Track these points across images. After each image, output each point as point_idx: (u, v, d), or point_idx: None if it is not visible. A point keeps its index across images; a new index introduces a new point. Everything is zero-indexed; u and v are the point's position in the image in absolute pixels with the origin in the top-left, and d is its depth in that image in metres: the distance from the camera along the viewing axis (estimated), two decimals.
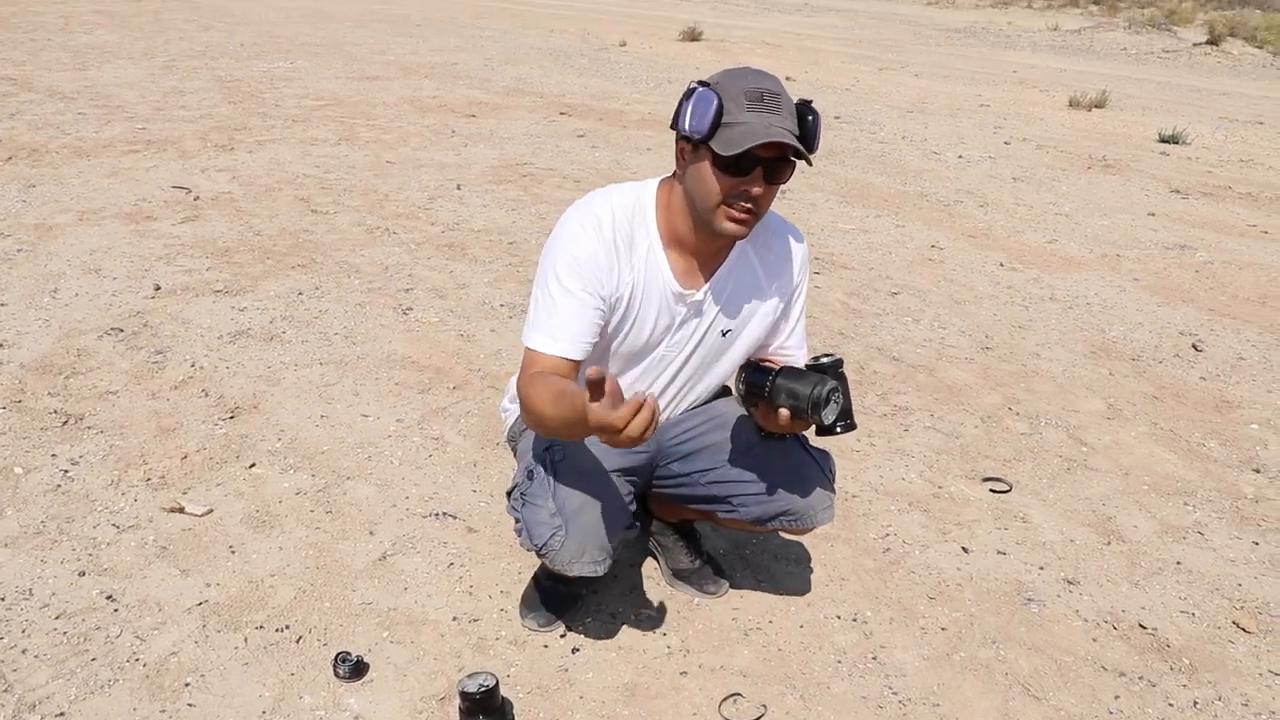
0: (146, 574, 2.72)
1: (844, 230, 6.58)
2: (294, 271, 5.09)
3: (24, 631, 2.50)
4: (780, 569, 2.93)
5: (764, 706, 2.38)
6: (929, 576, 2.94)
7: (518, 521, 2.33)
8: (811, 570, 2.93)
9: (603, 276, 2.13)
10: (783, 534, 2.82)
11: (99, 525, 2.91)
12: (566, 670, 2.49)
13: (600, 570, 2.27)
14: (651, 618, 2.68)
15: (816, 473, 2.43)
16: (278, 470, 3.24)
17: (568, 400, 1.90)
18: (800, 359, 2.39)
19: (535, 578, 2.67)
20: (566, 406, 1.90)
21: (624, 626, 2.63)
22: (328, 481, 3.20)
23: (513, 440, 2.57)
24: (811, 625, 2.70)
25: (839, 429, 2.17)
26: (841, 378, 2.17)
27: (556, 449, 2.31)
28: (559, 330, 2.10)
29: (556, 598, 2.60)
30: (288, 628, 2.57)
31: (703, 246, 2.21)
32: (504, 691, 2.34)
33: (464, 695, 2.17)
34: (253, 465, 3.26)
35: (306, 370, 3.95)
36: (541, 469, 2.31)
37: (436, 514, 3.09)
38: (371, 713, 2.32)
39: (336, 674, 2.40)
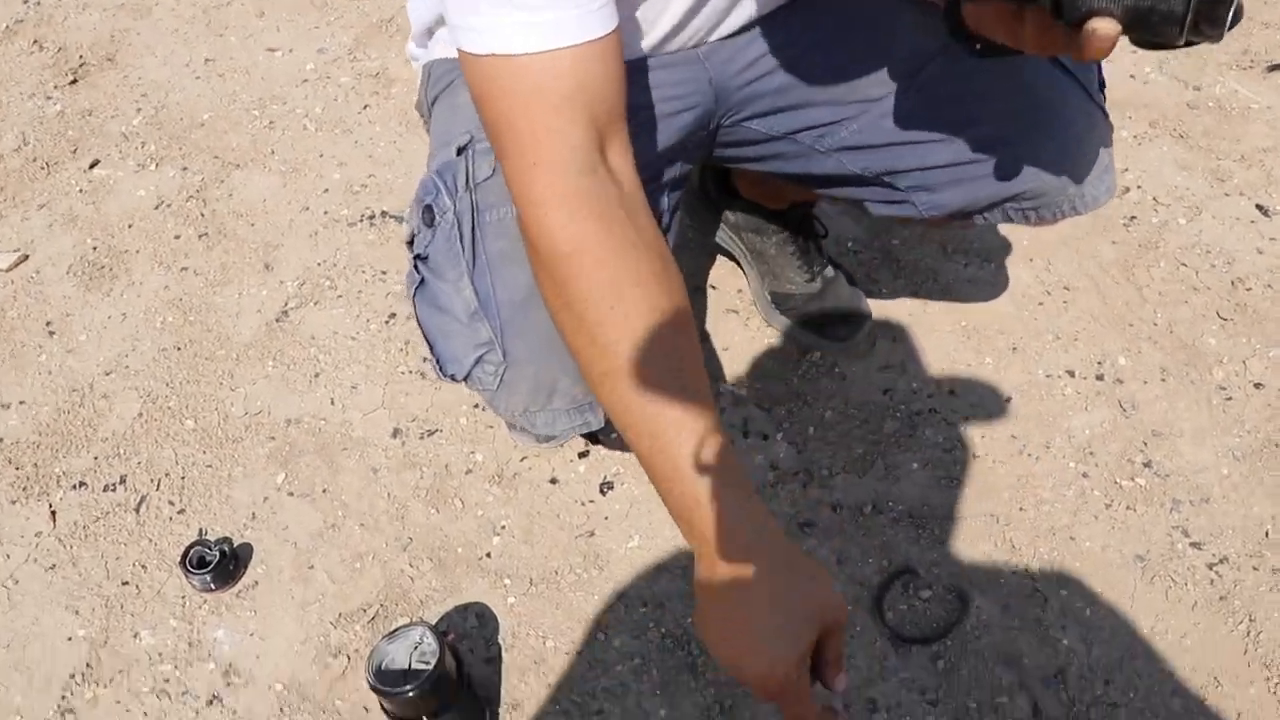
0: None
1: None
2: None
3: None
4: (956, 271, 1.65)
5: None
6: (1209, 269, 1.62)
7: (420, 324, 1.09)
8: (1009, 273, 1.64)
9: None
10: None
11: None
12: (592, 534, 1.37)
13: (596, 421, 1.05)
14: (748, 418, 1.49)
15: (1080, 103, 1.11)
16: (132, 167, 2.04)
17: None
18: None
19: None
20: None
21: None
22: (206, 178, 1.99)
23: (423, 110, 1.28)
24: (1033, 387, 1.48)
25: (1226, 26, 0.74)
26: None
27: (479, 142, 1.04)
28: None
29: None
30: (122, 480, 1.49)
31: None
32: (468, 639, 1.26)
33: (388, 690, 1.09)
34: (95, 164, 2.05)
35: None
36: (448, 197, 1.04)
37: (370, 215, 1.87)
38: (252, 658, 1.31)
39: (189, 578, 1.34)
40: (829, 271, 1.58)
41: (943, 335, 1.56)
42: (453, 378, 1.07)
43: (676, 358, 0.82)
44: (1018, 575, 1.31)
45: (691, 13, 1.05)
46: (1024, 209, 1.17)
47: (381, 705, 1.14)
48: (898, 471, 1.42)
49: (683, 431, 0.80)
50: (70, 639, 1.36)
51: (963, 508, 1.38)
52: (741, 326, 1.63)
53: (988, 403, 1.48)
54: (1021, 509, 1.36)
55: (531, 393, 1.04)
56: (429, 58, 1.21)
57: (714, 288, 1.69)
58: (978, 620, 1.27)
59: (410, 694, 1.09)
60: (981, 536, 1.35)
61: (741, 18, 1.10)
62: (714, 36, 1.10)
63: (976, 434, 1.45)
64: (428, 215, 1.06)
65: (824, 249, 1.60)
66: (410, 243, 1.11)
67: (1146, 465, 1.41)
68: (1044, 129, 1.10)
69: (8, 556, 1.46)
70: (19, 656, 1.35)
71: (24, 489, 1.54)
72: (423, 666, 1.12)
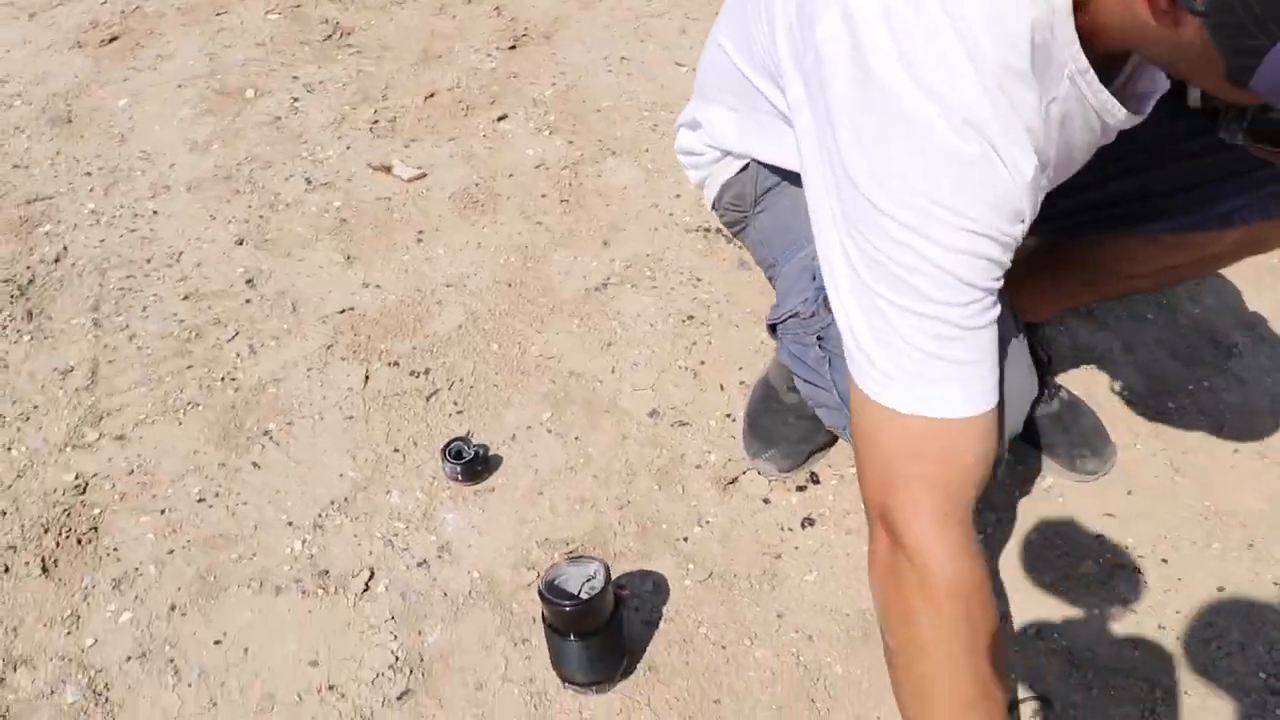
0: (304, 255, 2.03)
1: None
2: None
3: (144, 310, 1.91)
4: (1221, 454, 1.65)
5: None
6: None
7: (817, 389, 1.26)
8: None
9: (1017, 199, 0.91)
10: (1255, 250, 1.34)
11: (291, 177, 2.23)
12: (779, 556, 1.50)
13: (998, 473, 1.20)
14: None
15: None
16: (531, 128, 2.36)
17: None
18: None
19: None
20: None
21: None
22: (585, 154, 2.27)
23: (724, 213, 1.46)
24: (1254, 586, 1.46)
25: None
26: None
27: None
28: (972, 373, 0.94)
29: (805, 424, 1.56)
30: (427, 372, 1.78)
31: None
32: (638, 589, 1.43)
33: (552, 599, 1.29)
34: (503, 117, 2.39)
35: None
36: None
37: (706, 229, 2.08)
38: (466, 544, 1.54)
39: (444, 465, 1.59)
40: (1065, 394, 1.62)
41: (1181, 507, 1.56)
42: None
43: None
44: None
45: None
46: None
47: (542, 612, 1.32)
48: (1077, 610, 1.45)
49: None
50: (341, 476, 1.65)
51: (1124, 666, 1.39)
52: None
53: (1197, 584, 1.47)
54: (1188, 694, 1.35)
55: None
56: (748, 155, 1.33)
57: None
58: None
59: (566, 608, 1.26)
60: (1133, 700, 1.35)
61: None
62: None
63: (1171, 608, 1.45)
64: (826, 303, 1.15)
65: (1054, 373, 1.64)
66: (776, 326, 1.28)
67: None
68: None
69: (324, 397, 1.77)
70: (304, 473, 1.65)
71: (354, 352, 1.85)
72: (587, 594, 1.29)
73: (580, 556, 1.33)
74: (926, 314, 0.89)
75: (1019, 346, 1.13)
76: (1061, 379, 1.71)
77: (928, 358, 0.91)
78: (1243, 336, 1.81)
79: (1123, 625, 1.43)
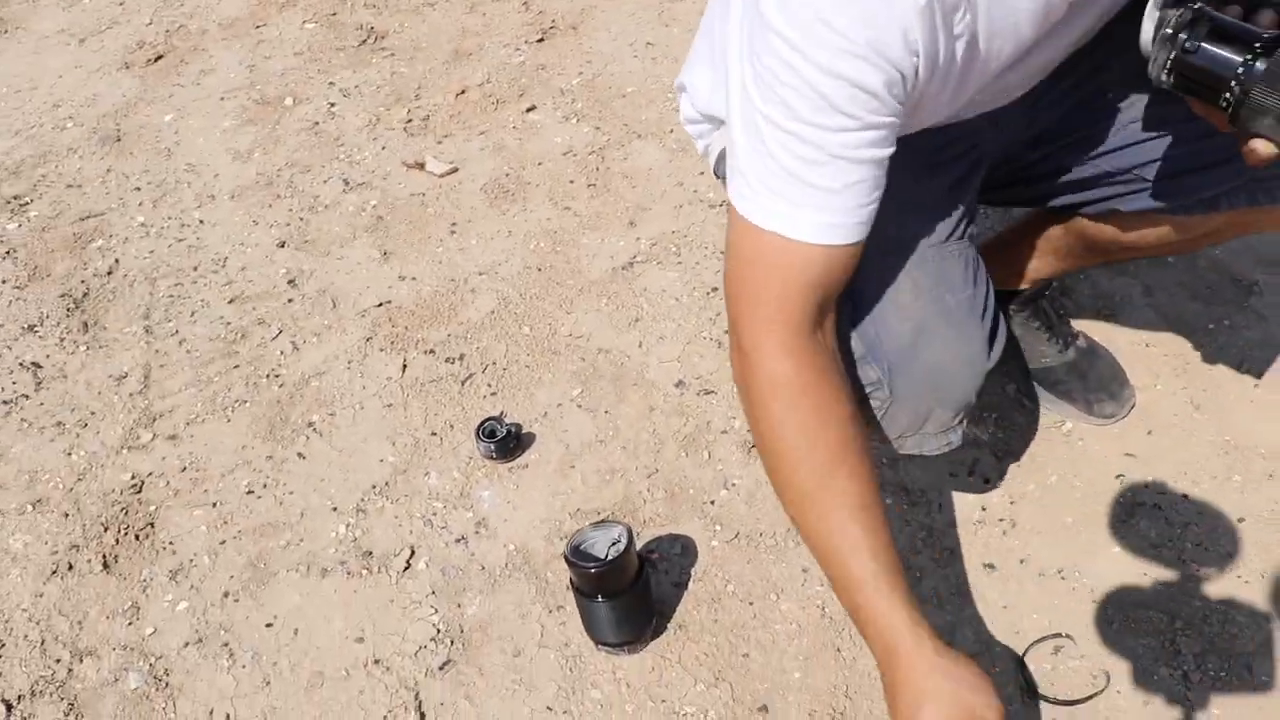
0: (343, 253, 2.10)
1: None
2: None
3: (192, 315, 2.00)
4: (1243, 390, 1.63)
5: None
6: None
7: None
8: None
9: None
10: (1252, 227, 1.32)
11: (329, 180, 2.31)
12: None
13: (956, 440, 1.24)
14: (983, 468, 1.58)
15: None
16: (558, 117, 2.40)
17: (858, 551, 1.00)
18: None
19: None
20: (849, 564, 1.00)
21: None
22: (611, 139, 2.31)
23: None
24: (1274, 517, 1.46)
25: None
26: None
27: None
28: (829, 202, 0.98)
29: None
30: (461, 358, 1.84)
31: None
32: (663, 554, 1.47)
33: (577, 563, 1.33)
34: (532, 109, 2.44)
35: None
36: None
37: None
38: (502, 519, 1.60)
39: (478, 444, 1.64)
40: (1081, 342, 1.62)
41: (1200, 443, 1.55)
42: None
43: (855, 493, 0.99)
44: (1173, 679, 1.31)
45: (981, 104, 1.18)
46: (1271, 187, 1.20)
47: (570, 578, 1.37)
48: (1098, 549, 1.46)
49: (860, 555, 0.97)
50: (381, 460, 1.71)
51: (1147, 600, 1.39)
52: (1005, 386, 1.71)
53: (1217, 517, 1.46)
54: (1207, 622, 1.36)
55: (909, 422, 1.21)
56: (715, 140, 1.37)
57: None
58: (1114, 705, 1.30)
59: (591, 570, 1.31)
60: (1154, 632, 1.36)
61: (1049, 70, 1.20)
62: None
63: (1191, 541, 1.44)
64: None
65: (1068, 319, 1.65)
66: None
67: None
68: None
69: (364, 388, 1.84)
70: (346, 460, 1.71)
71: (392, 342, 1.91)
72: (614, 556, 1.33)
73: (604, 521, 1.37)
74: (796, 134, 0.92)
75: (965, 304, 1.16)
76: (1082, 325, 1.70)
77: (791, 177, 0.94)
78: (1263, 274, 1.79)
79: (1143, 560, 1.43)
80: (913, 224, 1.19)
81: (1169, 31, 0.84)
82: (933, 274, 1.17)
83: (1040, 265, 1.53)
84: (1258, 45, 0.80)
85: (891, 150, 0.96)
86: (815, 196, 0.95)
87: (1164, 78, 0.87)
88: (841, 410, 1.01)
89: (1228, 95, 0.81)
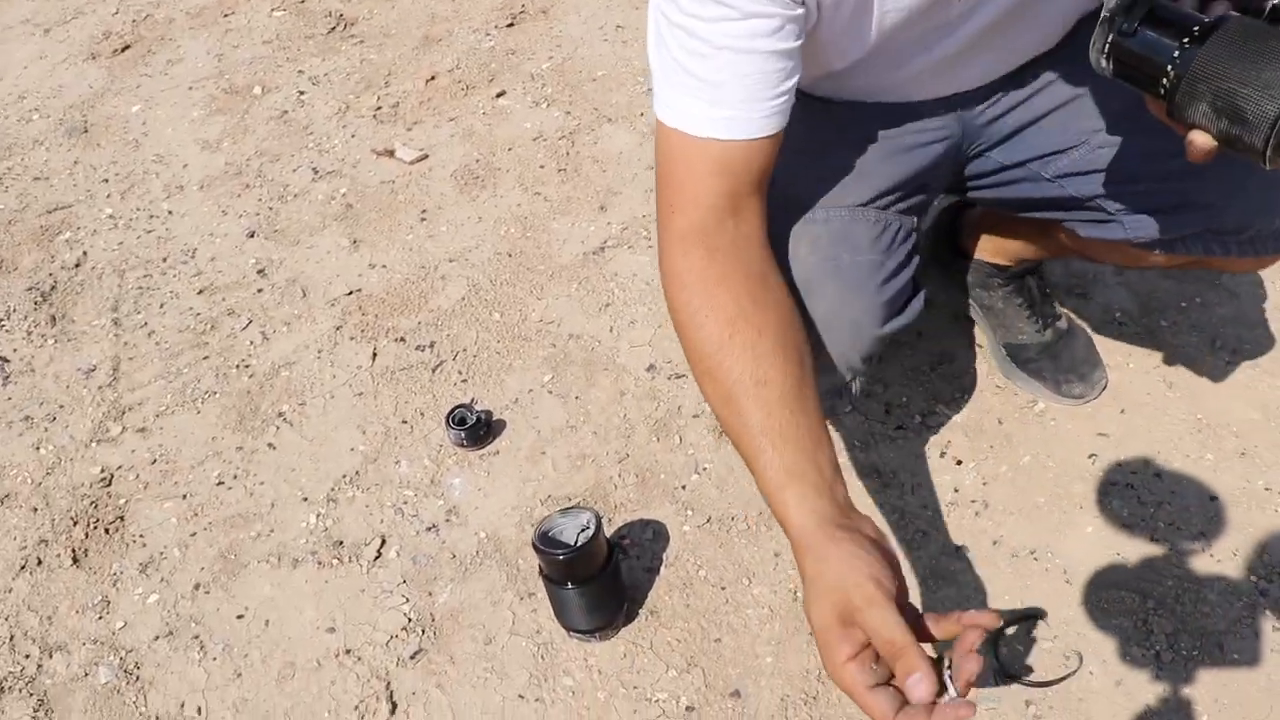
0: (313, 242, 2.09)
1: None
2: None
3: (161, 307, 1.99)
4: (1218, 368, 1.64)
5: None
6: None
7: None
8: (1273, 385, 1.61)
9: None
10: (1211, 265, 1.33)
11: (298, 169, 2.29)
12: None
13: (843, 407, 1.28)
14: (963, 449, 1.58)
15: None
16: (529, 102, 2.39)
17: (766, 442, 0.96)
18: None
19: None
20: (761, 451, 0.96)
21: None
22: (582, 123, 2.30)
23: None
24: (1246, 496, 1.47)
25: None
26: None
27: None
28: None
29: None
30: (432, 345, 1.83)
31: None
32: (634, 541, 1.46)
33: (545, 549, 1.33)
34: (501, 94, 2.42)
35: None
36: None
37: None
38: (473, 507, 1.59)
39: (448, 432, 1.63)
40: (1062, 324, 1.62)
41: (1173, 422, 1.56)
42: None
43: (748, 369, 0.97)
44: (1146, 659, 1.31)
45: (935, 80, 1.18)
46: (1226, 241, 1.21)
47: (539, 565, 1.36)
48: (1070, 529, 1.46)
49: (769, 435, 0.95)
50: (352, 449, 1.70)
51: (1118, 580, 1.40)
52: (978, 366, 1.71)
53: (1189, 495, 1.47)
54: (1179, 601, 1.36)
55: None
56: None
57: (960, 334, 1.77)
58: (1087, 686, 1.30)
59: (559, 557, 1.30)
60: (1126, 612, 1.36)
61: (990, 68, 1.21)
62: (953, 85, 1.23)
63: (1164, 520, 1.45)
64: None
65: (1053, 300, 1.65)
66: None
67: None
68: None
69: (334, 377, 1.83)
70: (317, 450, 1.70)
71: (362, 331, 1.90)
72: (582, 542, 1.33)
73: (572, 507, 1.37)
74: (682, 25, 0.96)
75: (863, 266, 1.17)
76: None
77: (684, 72, 0.98)
78: None
79: (1115, 540, 1.44)
80: (835, 186, 1.21)
81: (1107, 15, 0.83)
82: (836, 233, 1.18)
83: (1022, 248, 1.56)
84: (1195, 29, 0.79)
85: (789, 45, 0.97)
86: (706, 91, 0.97)
87: (1103, 63, 0.86)
88: (745, 290, 1.00)
89: (1164, 82, 0.80)
